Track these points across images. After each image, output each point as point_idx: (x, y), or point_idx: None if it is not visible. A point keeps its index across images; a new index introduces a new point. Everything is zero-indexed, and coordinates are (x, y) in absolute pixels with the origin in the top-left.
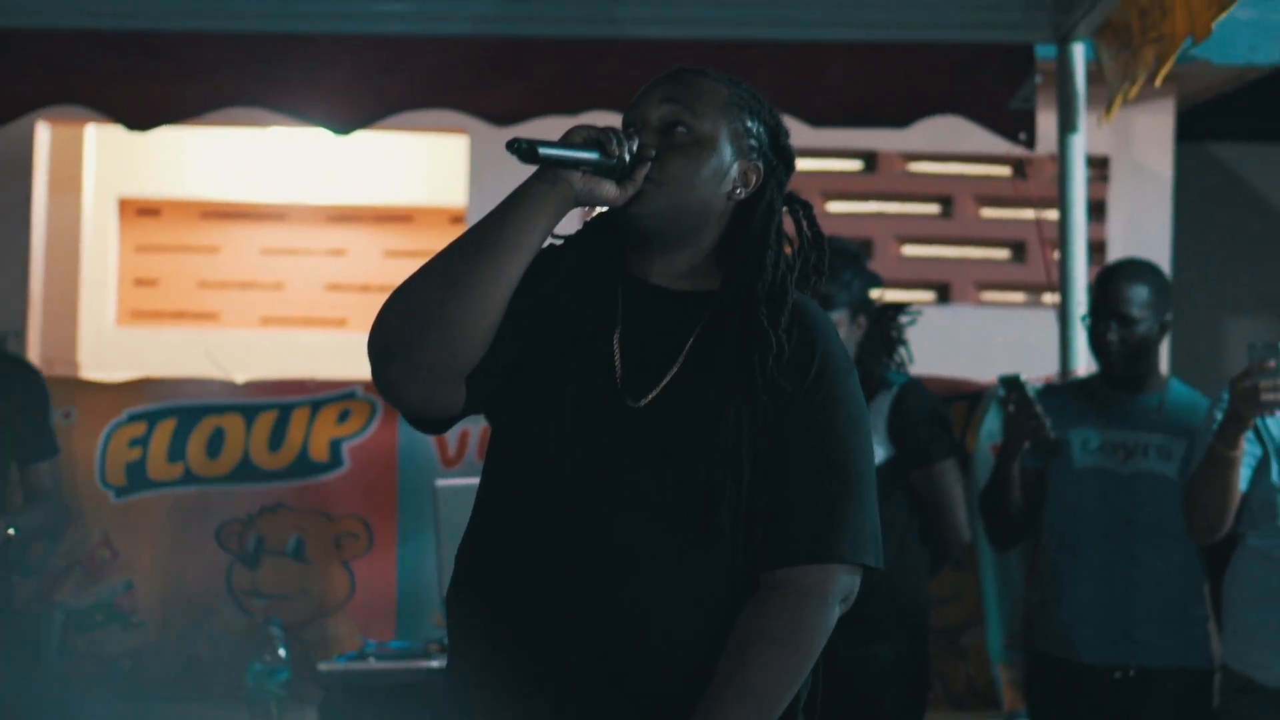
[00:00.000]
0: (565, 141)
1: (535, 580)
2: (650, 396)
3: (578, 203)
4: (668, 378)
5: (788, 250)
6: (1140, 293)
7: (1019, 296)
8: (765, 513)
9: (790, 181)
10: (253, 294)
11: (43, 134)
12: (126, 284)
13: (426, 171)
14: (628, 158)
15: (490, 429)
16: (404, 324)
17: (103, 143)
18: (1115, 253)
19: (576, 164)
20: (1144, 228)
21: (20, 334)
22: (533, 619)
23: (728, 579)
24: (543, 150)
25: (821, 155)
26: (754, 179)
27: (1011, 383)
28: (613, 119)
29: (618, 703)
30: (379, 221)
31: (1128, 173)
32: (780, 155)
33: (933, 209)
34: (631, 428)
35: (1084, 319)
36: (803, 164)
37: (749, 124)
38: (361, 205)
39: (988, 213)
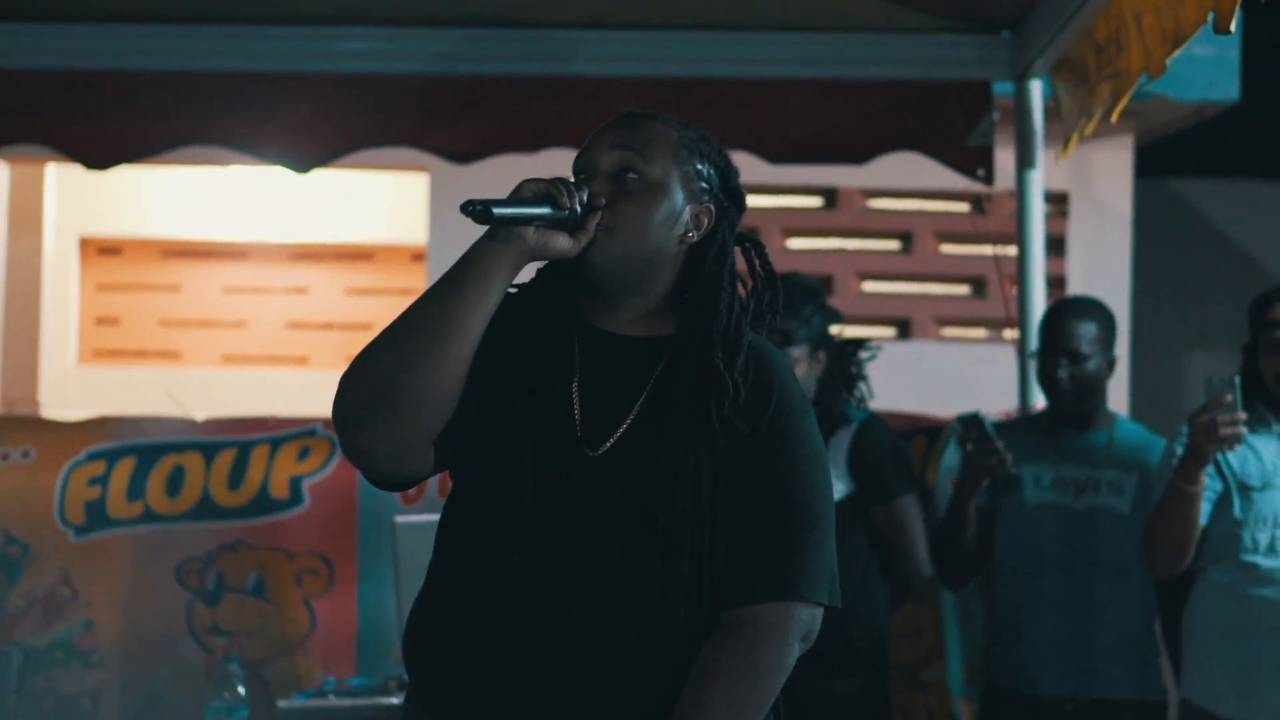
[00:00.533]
0: (516, 197)
1: (494, 628)
2: (608, 444)
3: (532, 257)
4: (624, 425)
5: (741, 291)
6: (1089, 329)
7: (979, 332)
8: (725, 552)
9: (743, 220)
10: (214, 332)
11: (1, 173)
12: (88, 323)
13: (387, 209)
14: (579, 208)
15: (450, 477)
16: (368, 393)
17: (63, 182)
18: (1075, 288)
19: (530, 220)
20: (1103, 263)
21: None
22: (492, 666)
23: (688, 622)
24: (496, 210)
25: (781, 192)
26: (705, 221)
27: (970, 420)
28: (569, 156)
29: None
30: (340, 259)
31: (1087, 208)
32: (731, 196)
33: (893, 245)
34: (591, 476)
35: (1031, 355)
36: (762, 201)
37: (699, 166)
38: (323, 243)
39: (948, 249)
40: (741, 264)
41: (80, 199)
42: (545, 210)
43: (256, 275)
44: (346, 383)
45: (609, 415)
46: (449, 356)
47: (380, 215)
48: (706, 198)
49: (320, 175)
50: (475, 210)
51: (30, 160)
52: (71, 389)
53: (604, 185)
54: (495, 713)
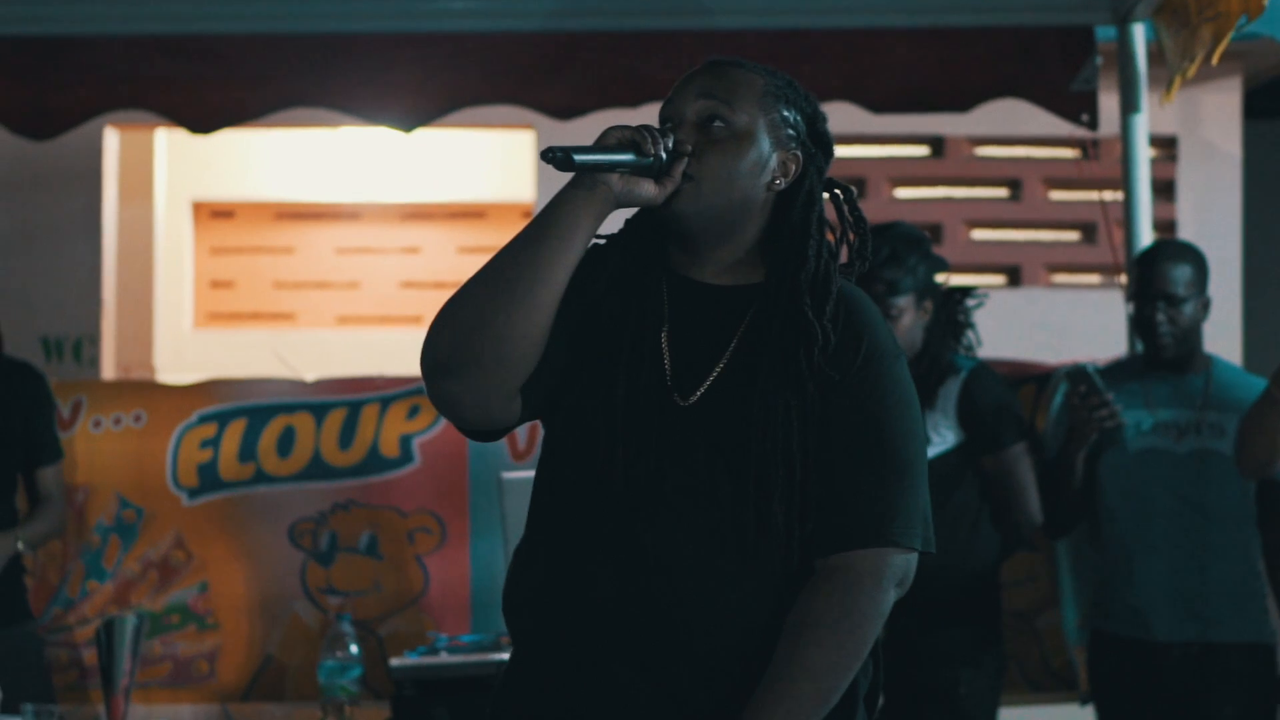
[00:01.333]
0: (600, 144)
1: (587, 582)
2: (698, 394)
3: (617, 204)
4: (714, 374)
5: (830, 237)
6: (1184, 272)
7: (1090, 278)
8: (817, 501)
9: (850, 170)
10: (328, 293)
11: (111, 140)
12: (203, 287)
13: (497, 167)
14: (664, 155)
15: (543, 429)
16: (455, 341)
17: (174, 147)
18: (1185, 232)
19: (613, 166)
20: (1213, 206)
21: (94, 339)
22: (588, 618)
23: (782, 570)
24: (578, 157)
25: (889, 142)
26: (793, 168)
27: (1078, 374)
28: None
29: (676, 696)
30: (452, 218)
31: (1196, 152)
32: (818, 143)
33: (1001, 192)
34: (682, 425)
35: (1128, 302)
36: (870, 151)
37: (786, 113)
38: (434, 203)
39: (1056, 195)
40: (831, 213)
41: (192, 163)
42: (629, 157)
43: (369, 236)
44: (433, 333)
45: (698, 365)
46: (533, 305)
47: (490, 173)
48: (794, 144)
49: (430, 135)
50: (556, 157)
51: (139, 126)
52: (187, 353)
53: (690, 133)
54: (591, 668)
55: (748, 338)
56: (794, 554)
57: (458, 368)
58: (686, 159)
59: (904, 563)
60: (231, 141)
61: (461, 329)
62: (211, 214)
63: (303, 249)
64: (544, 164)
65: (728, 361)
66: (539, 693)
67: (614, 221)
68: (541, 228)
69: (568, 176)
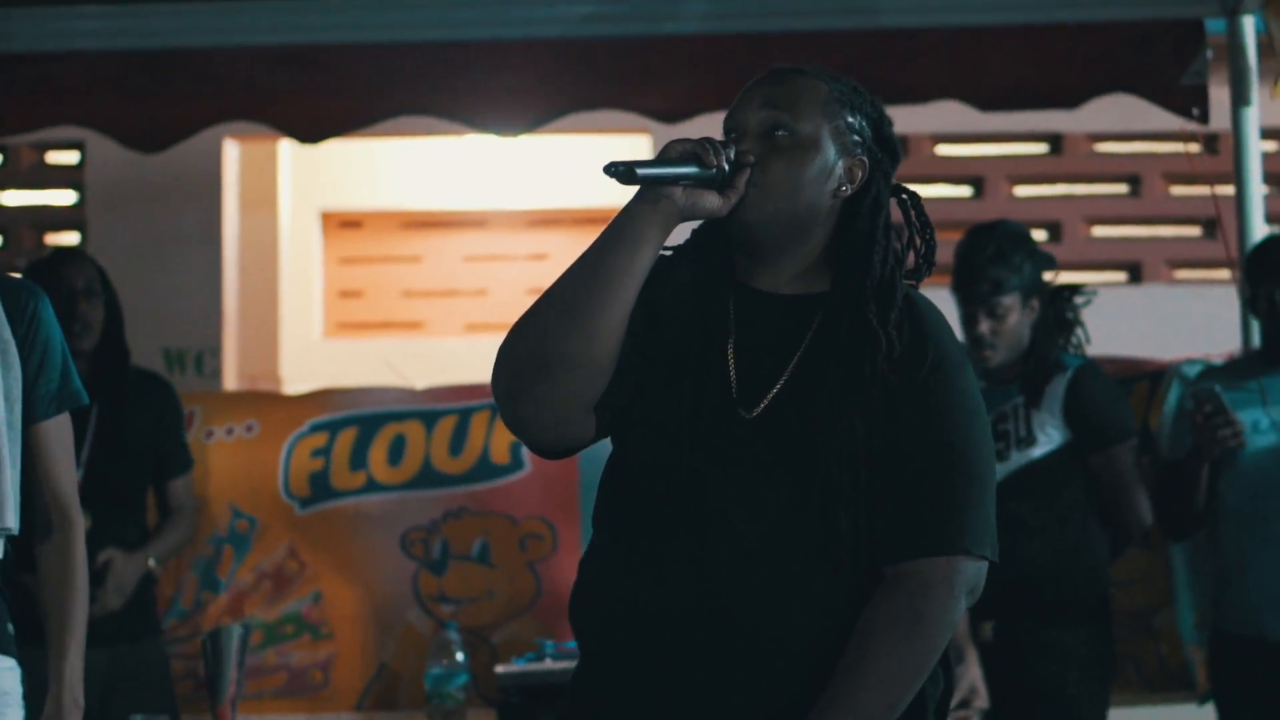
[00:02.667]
0: (662, 157)
1: (654, 592)
2: (763, 405)
3: (682, 217)
4: (778, 385)
5: (896, 244)
6: None
7: (1213, 273)
8: (885, 509)
9: (969, 169)
10: (457, 301)
11: (230, 151)
12: (332, 296)
13: None
14: (727, 166)
15: (611, 441)
16: (525, 363)
17: (298, 158)
18: None
19: (676, 179)
20: None
21: (215, 351)
22: (652, 630)
23: (848, 580)
24: (640, 171)
25: (1006, 140)
26: (859, 174)
27: (1205, 394)
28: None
29: (744, 705)
30: (578, 224)
31: None
32: (884, 147)
33: (1121, 189)
34: (747, 437)
35: (1242, 293)
36: (987, 149)
37: (850, 119)
38: (560, 209)
39: (1177, 190)
40: (897, 216)
41: (318, 174)
42: (692, 169)
43: (496, 243)
44: (503, 354)
45: (765, 376)
46: (603, 322)
47: (614, 180)
48: (859, 150)
49: (552, 140)
50: (619, 171)
51: (261, 137)
52: (316, 363)
53: (754, 143)
54: (658, 678)
55: (813, 347)
56: (860, 562)
57: (531, 389)
58: (750, 169)
59: (976, 571)
60: (357, 151)
61: (533, 350)
62: (340, 224)
63: (430, 257)
64: None
65: (792, 371)
66: (606, 703)
67: (679, 234)
68: (607, 244)
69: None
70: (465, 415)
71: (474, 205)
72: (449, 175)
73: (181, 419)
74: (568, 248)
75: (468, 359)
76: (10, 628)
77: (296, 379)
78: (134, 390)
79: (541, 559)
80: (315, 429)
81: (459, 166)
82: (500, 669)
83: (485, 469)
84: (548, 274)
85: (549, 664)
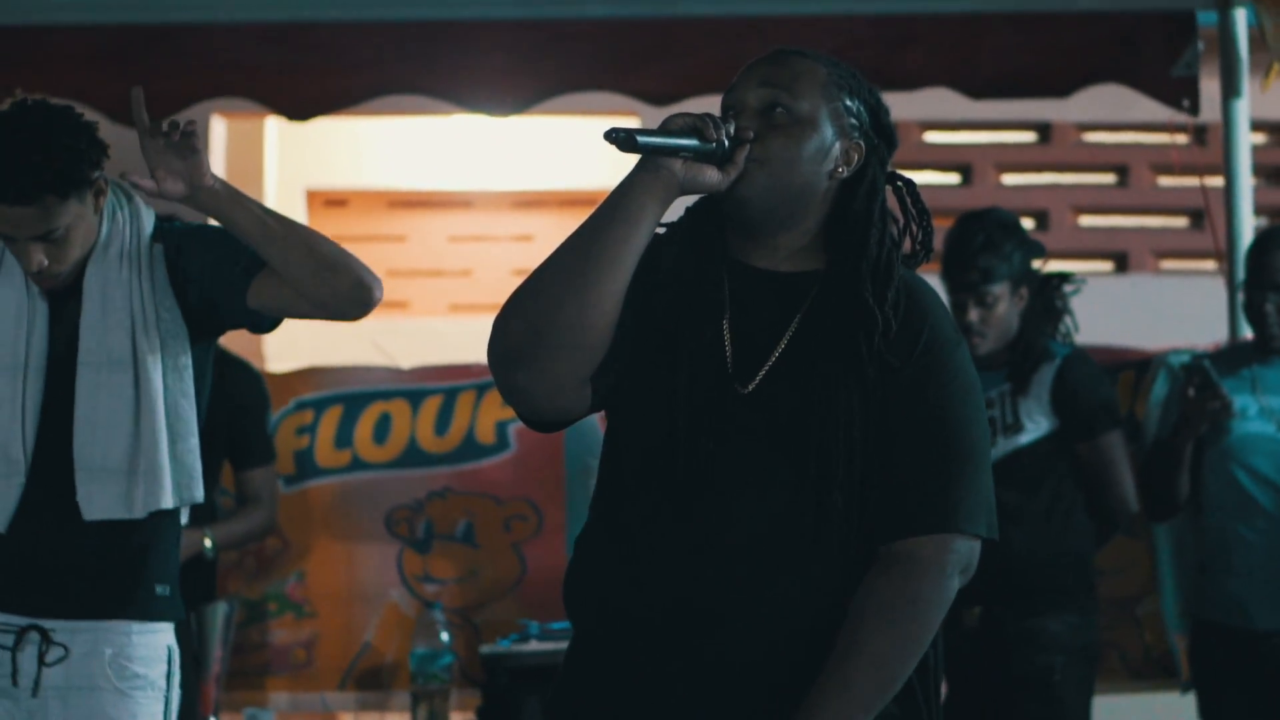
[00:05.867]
0: (663, 129)
1: (651, 567)
2: (757, 380)
3: (682, 190)
4: (771, 361)
5: (893, 229)
6: None
7: (1199, 264)
8: (879, 488)
9: (957, 156)
10: (441, 281)
11: (218, 129)
12: None
13: (606, 154)
14: (726, 141)
15: (606, 418)
16: (526, 330)
17: (284, 136)
18: None
19: (676, 150)
20: None
21: None
22: (650, 606)
23: (843, 557)
24: (641, 139)
25: (994, 128)
26: (855, 158)
27: (1193, 367)
28: None
29: (737, 684)
30: (563, 206)
31: None
32: (881, 133)
33: (1108, 178)
34: (742, 412)
35: (1239, 289)
36: (976, 137)
37: (848, 103)
38: (545, 190)
39: (1165, 181)
40: (893, 204)
41: (304, 152)
42: (692, 142)
43: (481, 224)
44: (501, 324)
45: (759, 351)
46: (601, 293)
47: (600, 160)
48: (856, 134)
49: (539, 122)
50: (620, 137)
51: (247, 115)
52: (300, 341)
53: (752, 120)
54: (652, 655)
55: (807, 324)
56: (854, 540)
57: (529, 358)
58: (749, 145)
59: (968, 550)
60: (344, 130)
61: (531, 318)
62: (325, 202)
63: (415, 237)
64: None
65: (786, 347)
66: (601, 681)
67: (673, 211)
68: (607, 214)
69: None
70: (451, 395)
71: (459, 186)
72: (435, 155)
73: (265, 410)
74: (553, 229)
75: (452, 339)
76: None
77: (280, 357)
78: (215, 373)
79: (526, 540)
80: (301, 406)
81: (445, 147)
82: (485, 649)
83: (470, 449)
84: (533, 255)
85: (534, 645)
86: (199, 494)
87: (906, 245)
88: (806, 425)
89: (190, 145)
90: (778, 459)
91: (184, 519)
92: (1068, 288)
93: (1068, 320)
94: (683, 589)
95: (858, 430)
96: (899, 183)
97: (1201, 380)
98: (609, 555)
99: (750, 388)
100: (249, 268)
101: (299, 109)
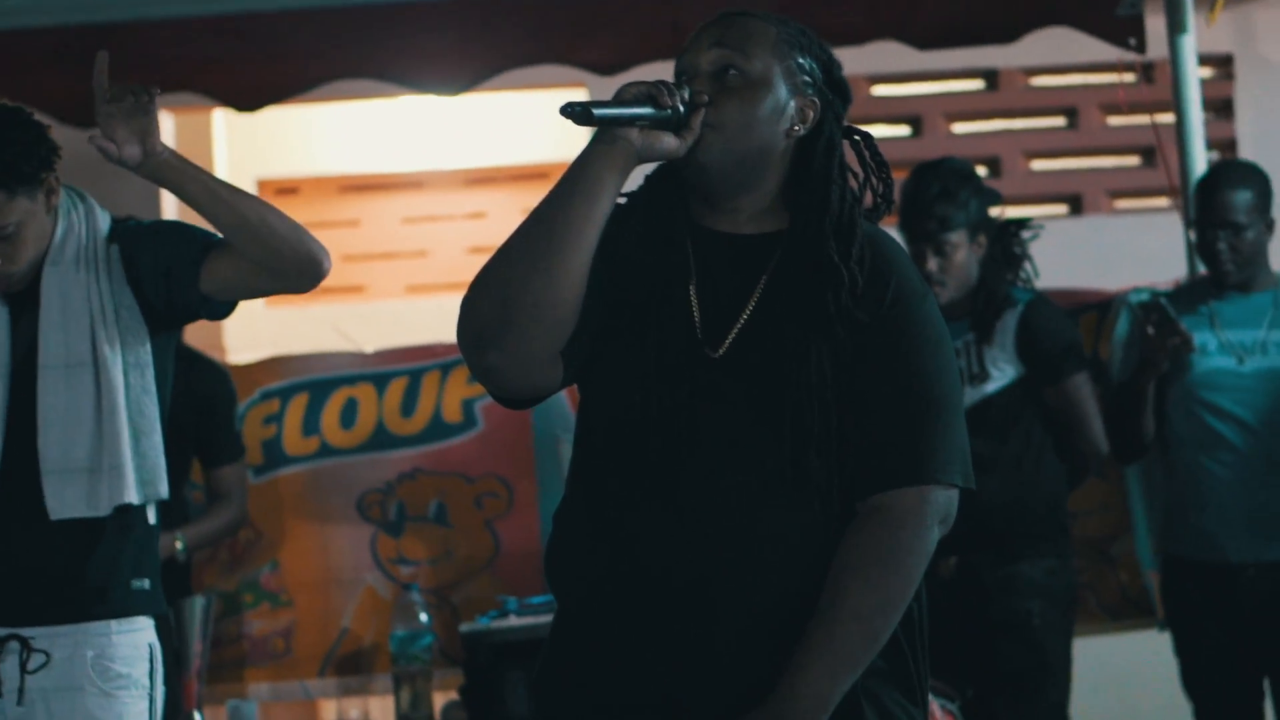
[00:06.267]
0: (618, 99)
1: (631, 535)
2: (727, 343)
3: (640, 159)
4: (740, 324)
5: (853, 183)
6: (1245, 198)
7: (1153, 202)
8: (854, 444)
9: (906, 108)
10: (397, 264)
11: (166, 123)
12: None
13: (555, 127)
14: (682, 107)
15: (579, 390)
16: (490, 312)
17: (233, 127)
18: (1245, 151)
19: (632, 120)
20: (1272, 123)
21: None
22: (631, 574)
23: (822, 515)
24: (597, 111)
25: (941, 78)
26: (811, 115)
27: (1151, 305)
28: None
29: (719, 647)
30: (515, 181)
31: (1252, 69)
32: (835, 89)
33: (1058, 121)
34: (714, 377)
35: (1190, 228)
36: (923, 88)
37: (800, 60)
38: (497, 167)
39: (1114, 121)
40: (852, 159)
41: (253, 142)
42: (647, 110)
43: (434, 204)
44: (468, 304)
45: (728, 315)
46: (566, 268)
47: (549, 134)
48: (810, 91)
49: (487, 98)
50: (575, 111)
51: (195, 108)
52: (261, 332)
53: (706, 84)
54: (637, 623)
55: (773, 285)
56: (833, 498)
57: (498, 337)
58: (704, 109)
59: (946, 500)
60: (292, 118)
61: (498, 297)
62: (276, 190)
63: (369, 221)
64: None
65: (754, 309)
66: (587, 655)
67: (634, 179)
68: (568, 188)
69: None
70: (416, 376)
71: (410, 167)
72: (384, 138)
73: (233, 407)
74: (506, 205)
75: (410, 320)
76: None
77: (241, 349)
78: (182, 371)
79: (498, 517)
80: (266, 396)
81: (393, 129)
82: (465, 628)
83: (438, 429)
84: (487, 232)
85: (513, 620)
86: (164, 490)
87: (867, 199)
88: (779, 386)
89: (145, 108)
90: (752, 421)
91: (152, 518)
92: (1025, 234)
93: (1028, 266)
94: (664, 558)
95: (830, 388)
96: (856, 137)
97: (1160, 318)
98: (588, 529)
99: (720, 352)
100: (200, 253)
101: (247, 100)
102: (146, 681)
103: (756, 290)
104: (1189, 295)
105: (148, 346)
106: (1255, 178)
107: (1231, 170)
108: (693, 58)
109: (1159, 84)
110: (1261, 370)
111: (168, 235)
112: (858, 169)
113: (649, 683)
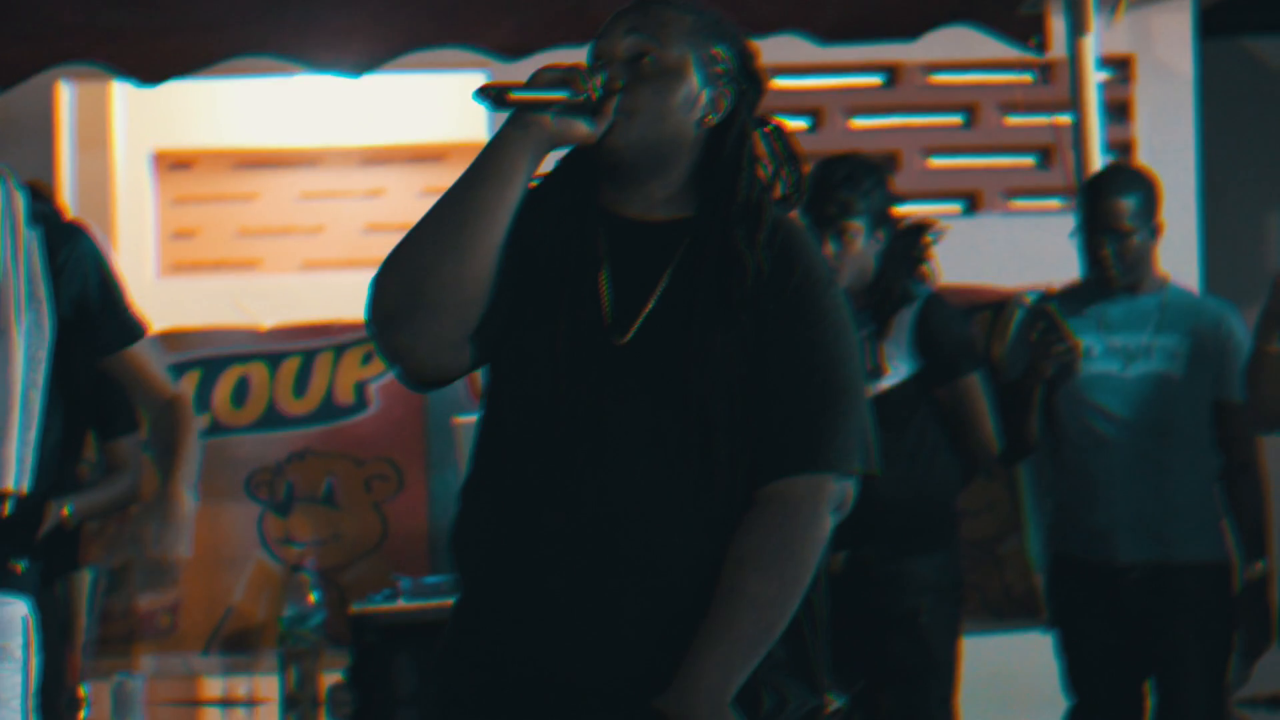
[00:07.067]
0: (533, 83)
1: (536, 520)
2: (633, 331)
3: (553, 144)
4: (647, 311)
5: (762, 173)
6: (1130, 203)
7: (1049, 203)
8: (757, 431)
9: (805, 102)
10: (293, 239)
11: (65, 93)
12: (166, 236)
13: (455, 108)
14: (596, 93)
15: (488, 375)
16: (403, 291)
17: (132, 99)
18: (1143, 153)
19: (547, 105)
20: (1169, 127)
21: None
22: (536, 558)
23: (728, 503)
24: (511, 95)
25: (841, 72)
26: (724, 103)
27: (1038, 312)
28: None
29: (622, 630)
30: (413, 160)
31: (1151, 72)
32: (750, 79)
33: (956, 120)
34: (621, 364)
35: (1074, 234)
36: (823, 82)
37: (716, 49)
38: (395, 144)
39: (1013, 120)
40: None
41: (151, 114)
42: (562, 94)
43: (331, 180)
44: (378, 285)
45: (636, 302)
46: (476, 251)
47: (449, 114)
48: (725, 80)
49: (387, 77)
50: (491, 95)
51: (93, 78)
52: (153, 303)
53: (621, 70)
54: (540, 607)
55: (681, 271)
56: (739, 486)
57: (408, 318)
58: (619, 95)
59: (841, 487)
60: (191, 91)
61: (408, 278)
62: (172, 163)
63: (266, 195)
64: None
65: (661, 296)
66: (488, 633)
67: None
68: (480, 171)
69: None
70: (309, 356)
71: (308, 142)
72: (282, 113)
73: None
74: (404, 184)
75: (305, 296)
76: (24, 566)
77: None
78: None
79: (387, 499)
80: None
81: (292, 104)
82: (355, 608)
83: (329, 410)
84: (384, 210)
85: (402, 603)
86: (27, 486)
87: (778, 189)
88: (685, 373)
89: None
90: (659, 408)
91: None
92: (927, 238)
93: (926, 267)
94: (571, 542)
95: (736, 375)
96: (768, 127)
97: (1046, 325)
98: (494, 510)
99: (627, 339)
100: (114, 342)
101: (149, 73)
102: (20, 654)
103: (664, 277)
104: (1078, 297)
105: (46, 344)
106: (1141, 182)
107: (1118, 175)
108: (608, 43)
109: (1057, 85)
110: (1146, 375)
111: (101, 295)
112: (768, 160)
113: (550, 663)
